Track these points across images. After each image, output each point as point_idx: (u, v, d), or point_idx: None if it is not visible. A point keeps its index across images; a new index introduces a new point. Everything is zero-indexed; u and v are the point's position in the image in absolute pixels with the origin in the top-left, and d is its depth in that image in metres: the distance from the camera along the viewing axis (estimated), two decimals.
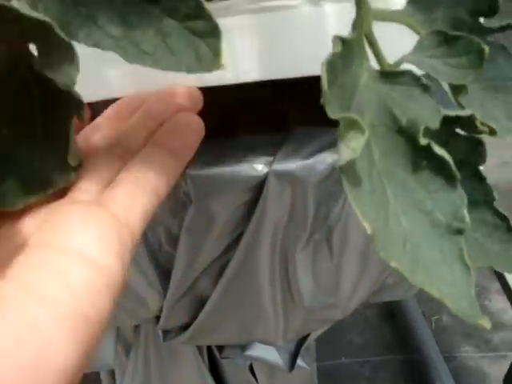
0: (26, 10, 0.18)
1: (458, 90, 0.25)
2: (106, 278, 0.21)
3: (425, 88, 0.23)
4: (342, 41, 0.21)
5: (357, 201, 0.20)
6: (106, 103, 0.31)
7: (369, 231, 0.20)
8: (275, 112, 0.62)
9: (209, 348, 0.71)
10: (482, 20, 0.25)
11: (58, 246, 0.21)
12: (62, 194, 0.25)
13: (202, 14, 0.20)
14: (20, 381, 0.18)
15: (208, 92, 0.29)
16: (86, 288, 0.20)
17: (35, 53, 0.21)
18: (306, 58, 0.34)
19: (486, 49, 0.23)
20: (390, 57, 0.25)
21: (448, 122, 0.23)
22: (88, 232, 0.22)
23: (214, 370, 0.73)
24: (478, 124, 0.23)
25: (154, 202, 0.25)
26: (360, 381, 1.23)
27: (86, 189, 0.25)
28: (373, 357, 1.27)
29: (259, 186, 0.47)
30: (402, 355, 1.27)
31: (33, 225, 0.23)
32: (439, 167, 0.22)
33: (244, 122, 0.60)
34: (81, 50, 0.20)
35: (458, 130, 0.24)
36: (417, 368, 1.24)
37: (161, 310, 0.56)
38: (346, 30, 0.23)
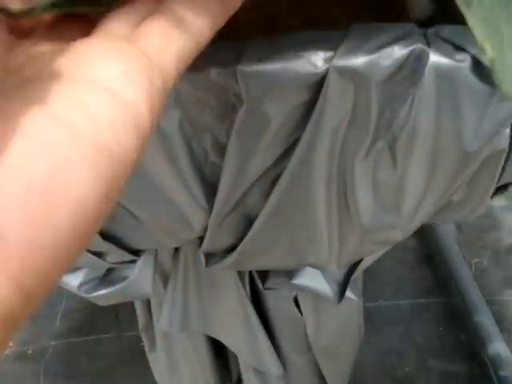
0: None
1: None
2: (133, 117, 0.19)
3: None
4: None
5: (472, 22, 0.19)
6: None
7: (489, 54, 0.19)
8: (325, 17, 0.57)
9: (251, 278, 0.68)
10: None
11: (80, 77, 0.18)
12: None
13: None
14: (28, 205, 0.15)
15: None
16: (111, 123, 0.18)
17: None
18: None
19: None
20: None
21: None
22: (115, 66, 0.19)
23: (256, 301, 0.69)
24: None
25: (192, 47, 0.22)
26: (398, 323, 1.20)
27: (112, 29, 0.21)
28: (412, 299, 1.24)
29: (318, 84, 0.42)
30: (442, 298, 1.23)
31: (52, 53, 0.20)
32: None
33: (293, 27, 0.55)
34: None
35: None
36: (457, 311, 1.20)
37: (205, 230, 0.52)
38: None
